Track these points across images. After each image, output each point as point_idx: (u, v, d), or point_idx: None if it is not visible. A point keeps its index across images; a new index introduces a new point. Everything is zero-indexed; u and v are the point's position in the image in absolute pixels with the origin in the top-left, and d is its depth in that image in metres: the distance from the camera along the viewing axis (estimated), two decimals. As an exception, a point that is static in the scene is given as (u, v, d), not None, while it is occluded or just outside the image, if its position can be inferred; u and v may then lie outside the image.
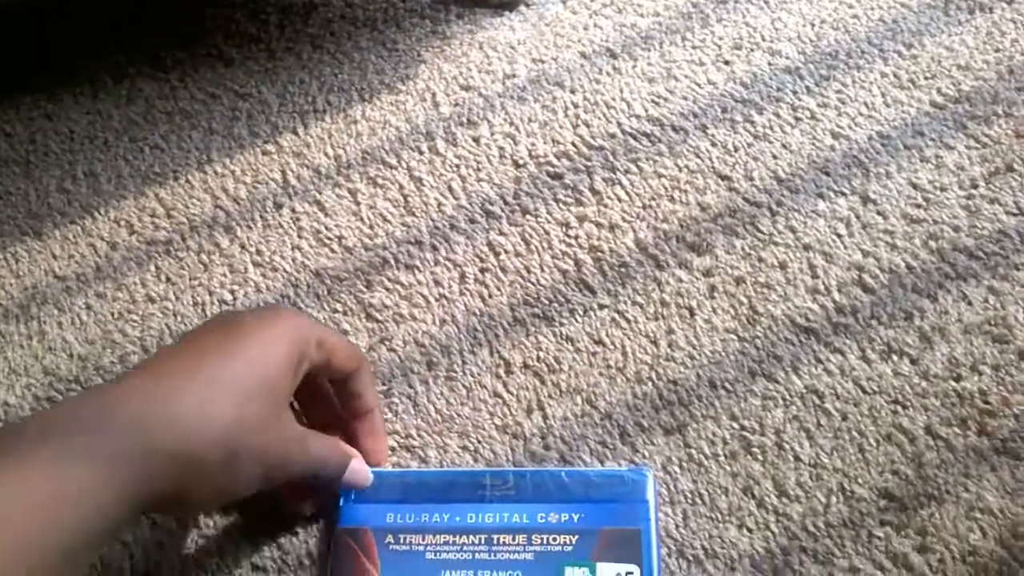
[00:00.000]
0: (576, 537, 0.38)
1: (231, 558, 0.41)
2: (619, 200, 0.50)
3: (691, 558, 0.39)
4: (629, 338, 0.45)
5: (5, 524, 0.28)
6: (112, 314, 0.50)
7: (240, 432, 0.33)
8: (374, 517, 0.40)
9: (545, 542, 0.39)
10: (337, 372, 0.39)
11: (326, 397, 0.42)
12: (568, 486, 0.40)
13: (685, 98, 0.53)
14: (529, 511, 0.40)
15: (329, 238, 0.51)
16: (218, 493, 0.34)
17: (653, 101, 0.53)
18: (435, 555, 0.39)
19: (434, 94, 0.56)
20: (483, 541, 0.39)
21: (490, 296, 0.48)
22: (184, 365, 0.34)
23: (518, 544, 0.39)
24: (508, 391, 0.45)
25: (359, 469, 0.40)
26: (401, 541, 0.39)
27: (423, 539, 0.39)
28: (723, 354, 0.44)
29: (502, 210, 0.50)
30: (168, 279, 0.51)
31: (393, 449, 0.44)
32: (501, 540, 0.39)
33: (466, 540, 0.39)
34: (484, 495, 0.40)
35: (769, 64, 0.54)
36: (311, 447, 0.37)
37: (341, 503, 0.41)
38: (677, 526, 0.40)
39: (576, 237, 0.49)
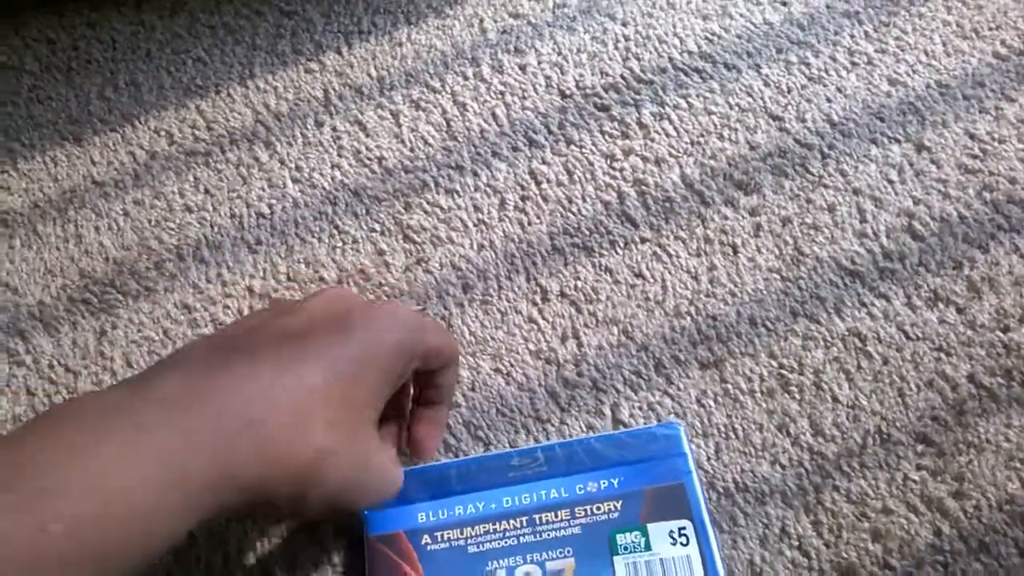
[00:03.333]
0: (620, 502, 0.37)
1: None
2: (667, 135, 0.49)
3: (721, 490, 0.39)
4: (670, 272, 0.45)
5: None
6: (149, 221, 0.50)
7: (330, 441, 0.30)
8: (405, 519, 0.38)
9: (590, 512, 0.37)
10: (428, 367, 0.37)
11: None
12: (600, 452, 0.38)
13: (739, 36, 0.52)
14: (567, 484, 0.38)
15: (369, 158, 0.50)
16: (296, 507, 0.30)
17: (707, 38, 0.52)
18: (478, 547, 0.36)
19: (482, 20, 0.55)
20: (525, 523, 0.37)
21: (529, 224, 0.47)
22: (286, 361, 0.31)
23: (562, 520, 0.37)
24: (543, 318, 0.44)
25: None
26: (439, 539, 0.37)
27: (461, 532, 0.37)
28: (765, 293, 0.43)
29: (546, 139, 0.50)
30: (206, 190, 0.51)
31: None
32: (544, 519, 0.37)
33: (507, 525, 0.37)
34: (515, 476, 0.38)
35: (828, 7, 0.53)
36: (384, 474, 0.34)
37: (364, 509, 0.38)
38: (709, 458, 0.39)
39: (621, 170, 0.48)
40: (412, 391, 0.39)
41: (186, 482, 0.26)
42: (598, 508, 0.37)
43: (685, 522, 0.36)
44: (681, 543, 0.35)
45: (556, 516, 0.37)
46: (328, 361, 0.31)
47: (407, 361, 0.34)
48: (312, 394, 0.30)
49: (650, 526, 0.36)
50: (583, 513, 0.37)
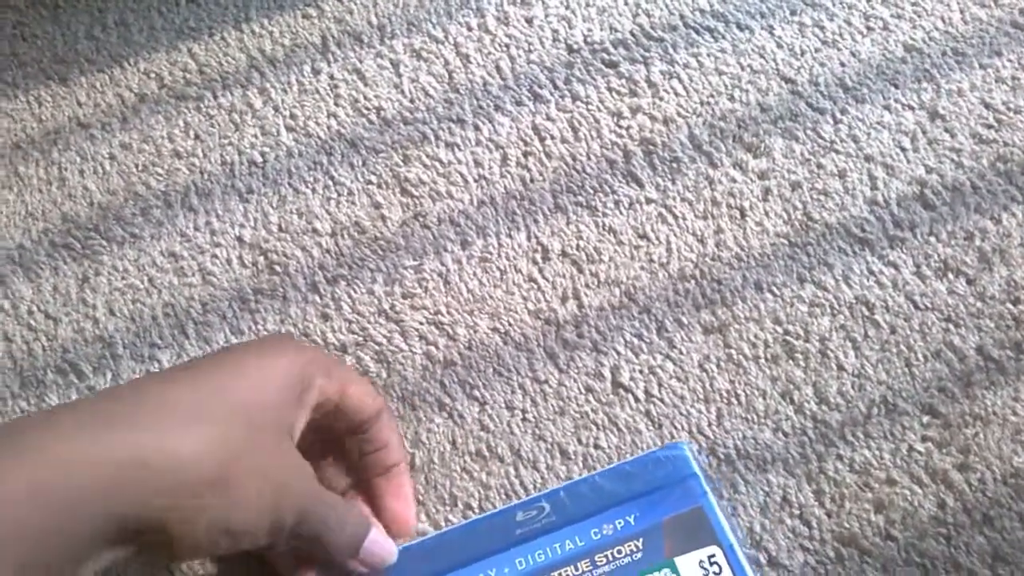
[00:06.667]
0: (641, 540, 0.34)
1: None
2: (676, 94, 0.47)
3: (722, 457, 0.38)
4: (675, 234, 0.43)
5: None
6: (136, 166, 0.48)
7: (228, 453, 0.29)
8: None
9: (611, 558, 0.34)
10: (353, 413, 0.35)
11: (343, 454, 0.37)
12: (607, 488, 0.36)
13: (753, -4, 0.50)
14: (580, 531, 0.35)
15: (367, 108, 0.49)
16: (211, 527, 0.29)
17: (719, -4, 0.51)
18: None
19: (488, -30, 0.53)
20: None
21: (532, 181, 0.46)
22: (172, 383, 0.31)
23: (583, 571, 0.34)
24: (544, 277, 0.43)
25: (380, 541, 0.34)
26: None
27: None
28: (772, 258, 0.42)
29: (551, 94, 0.48)
30: (197, 136, 0.49)
31: (421, 324, 0.42)
32: (564, 574, 0.34)
33: None
34: (523, 533, 0.35)
35: (844, -31, 0.51)
36: (324, 494, 0.32)
37: None
38: (710, 423, 0.38)
39: (627, 128, 0.46)
40: (355, 456, 0.37)
41: (90, 503, 0.27)
42: (619, 551, 0.34)
43: (713, 549, 0.34)
44: (714, 572, 0.33)
45: (576, 569, 0.34)
46: (209, 406, 0.31)
47: (304, 394, 0.33)
48: (200, 437, 0.29)
49: (677, 560, 0.34)
50: (604, 560, 0.34)
